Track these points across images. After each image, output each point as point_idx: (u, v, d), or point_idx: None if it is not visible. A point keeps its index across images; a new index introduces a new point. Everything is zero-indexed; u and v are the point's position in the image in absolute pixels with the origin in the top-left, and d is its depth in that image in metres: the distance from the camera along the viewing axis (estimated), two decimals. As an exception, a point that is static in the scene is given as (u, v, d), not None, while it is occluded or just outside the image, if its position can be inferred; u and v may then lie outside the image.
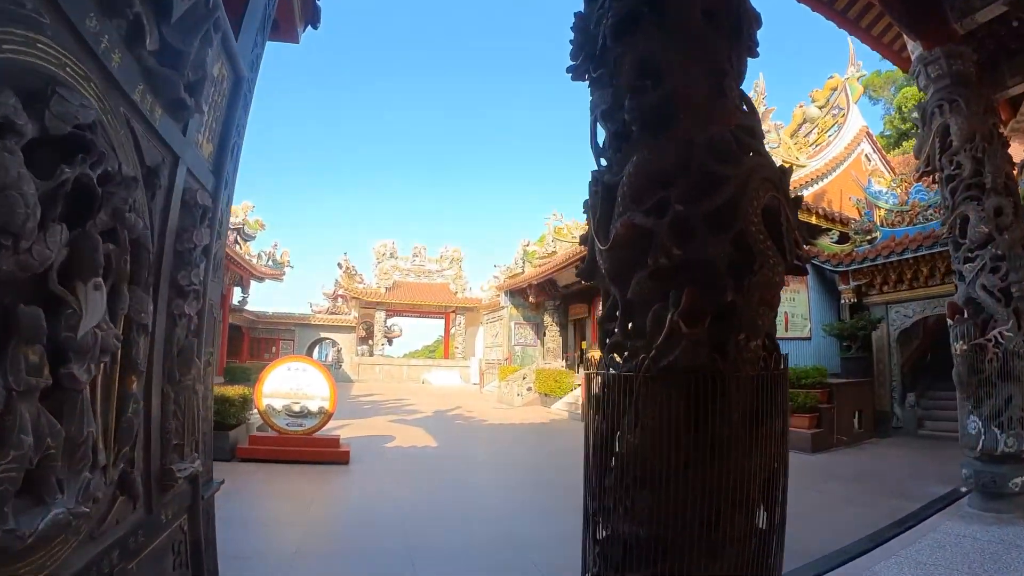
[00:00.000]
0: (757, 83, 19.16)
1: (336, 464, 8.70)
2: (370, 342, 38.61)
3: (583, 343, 28.50)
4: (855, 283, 14.72)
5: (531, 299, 26.54)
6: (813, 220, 15.14)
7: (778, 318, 12.98)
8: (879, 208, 14.67)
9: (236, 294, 34.58)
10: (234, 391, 9.58)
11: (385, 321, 38.51)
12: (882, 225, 14.43)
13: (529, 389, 20.75)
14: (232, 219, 35.46)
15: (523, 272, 28.04)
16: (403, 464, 9.27)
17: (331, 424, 12.18)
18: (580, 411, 16.50)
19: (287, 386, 8.93)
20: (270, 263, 33.42)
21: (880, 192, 14.95)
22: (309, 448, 8.85)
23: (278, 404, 8.91)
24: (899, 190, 14.82)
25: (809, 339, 14.57)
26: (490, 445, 11.89)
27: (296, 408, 8.90)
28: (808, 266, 14.34)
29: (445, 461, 9.58)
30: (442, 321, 42.26)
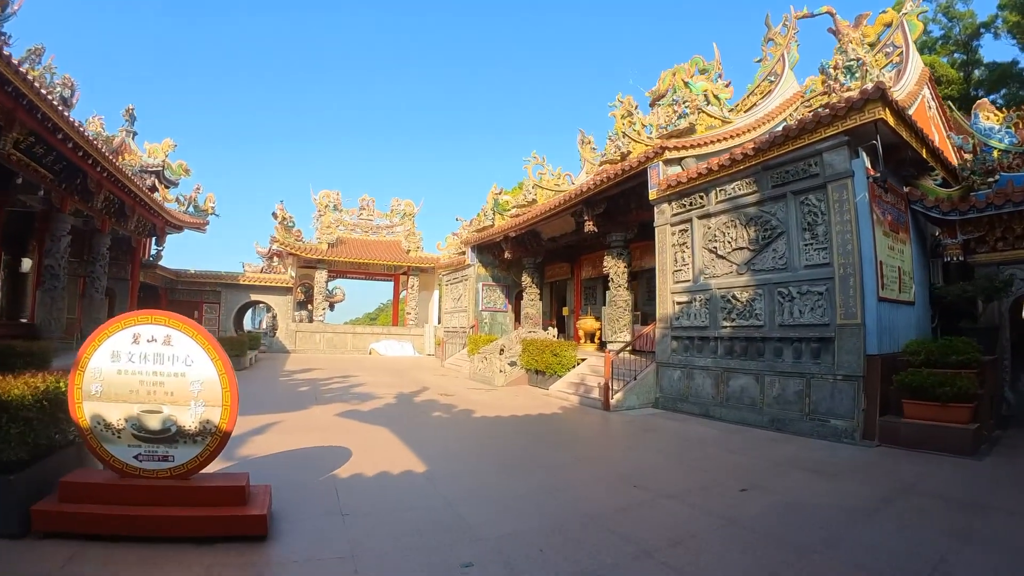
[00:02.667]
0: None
1: (241, 542, 4.12)
2: (309, 307, 33.83)
3: (564, 309, 24.38)
4: (964, 236, 11.37)
5: (507, 255, 22.12)
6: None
7: (893, 273, 9.22)
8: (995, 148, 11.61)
9: (161, 253, 29.88)
10: (23, 384, 4.37)
11: (327, 283, 33.64)
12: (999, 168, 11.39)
13: (513, 364, 16.48)
14: (150, 159, 30.32)
15: (493, 224, 23.63)
16: (383, 539, 4.36)
17: (241, 432, 7.76)
18: (596, 395, 12.43)
19: (134, 377, 4.26)
20: (191, 209, 28.23)
21: (991, 129, 11.69)
22: (182, 509, 4.17)
23: (116, 415, 4.23)
24: (1017, 128, 11.61)
25: (913, 304, 10.93)
26: (516, 465, 6.82)
27: (154, 423, 4.24)
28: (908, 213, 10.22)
29: (466, 522, 4.77)
30: (391, 284, 37.58)
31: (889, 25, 16.59)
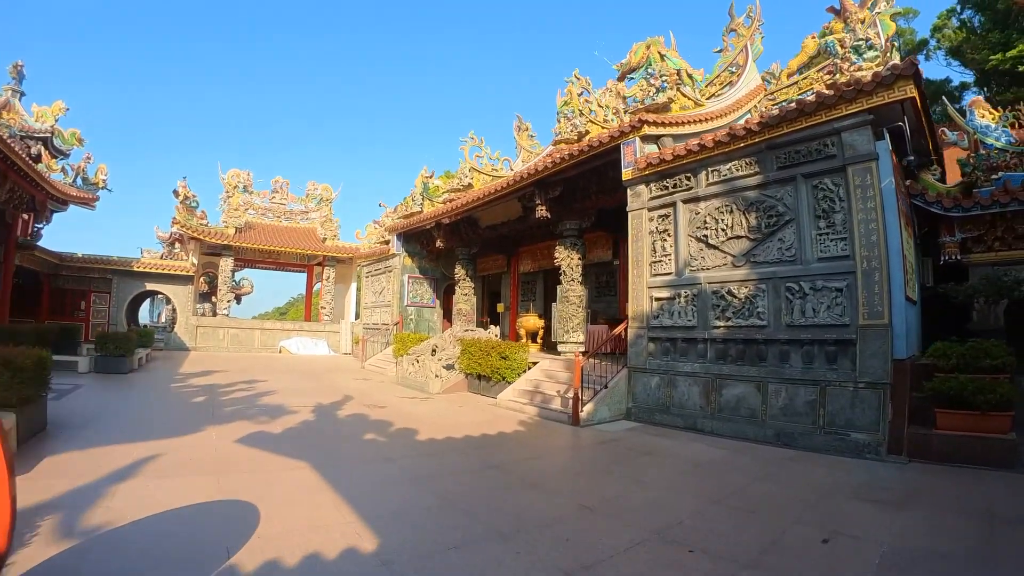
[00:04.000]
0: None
1: None
2: (213, 299, 30.47)
3: (499, 305, 22.66)
4: (962, 235, 10.70)
5: (439, 243, 20.09)
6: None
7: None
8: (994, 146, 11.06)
9: (47, 233, 25.96)
10: None
11: (233, 272, 30.46)
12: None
13: (450, 368, 14.56)
14: (36, 124, 26.46)
15: (422, 211, 21.63)
16: None
17: (96, 478, 5.73)
18: (557, 405, 10.75)
19: None
20: (79, 181, 24.61)
21: (988, 127, 11.16)
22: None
23: None
24: (1014, 128, 11.38)
25: (915, 303, 9.94)
26: (506, 527, 4.70)
27: None
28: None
29: None
30: (304, 275, 34.80)
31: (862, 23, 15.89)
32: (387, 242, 24.80)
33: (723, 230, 9.60)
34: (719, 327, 9.48)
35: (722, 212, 9.66)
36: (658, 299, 10.51)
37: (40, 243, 25.43)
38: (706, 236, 9.84)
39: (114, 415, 9.54)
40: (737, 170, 9.50)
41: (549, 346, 16.56)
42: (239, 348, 28.20)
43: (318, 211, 33.33)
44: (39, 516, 4.47)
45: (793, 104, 8.76)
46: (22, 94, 26.56)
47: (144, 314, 37.87)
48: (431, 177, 23.07)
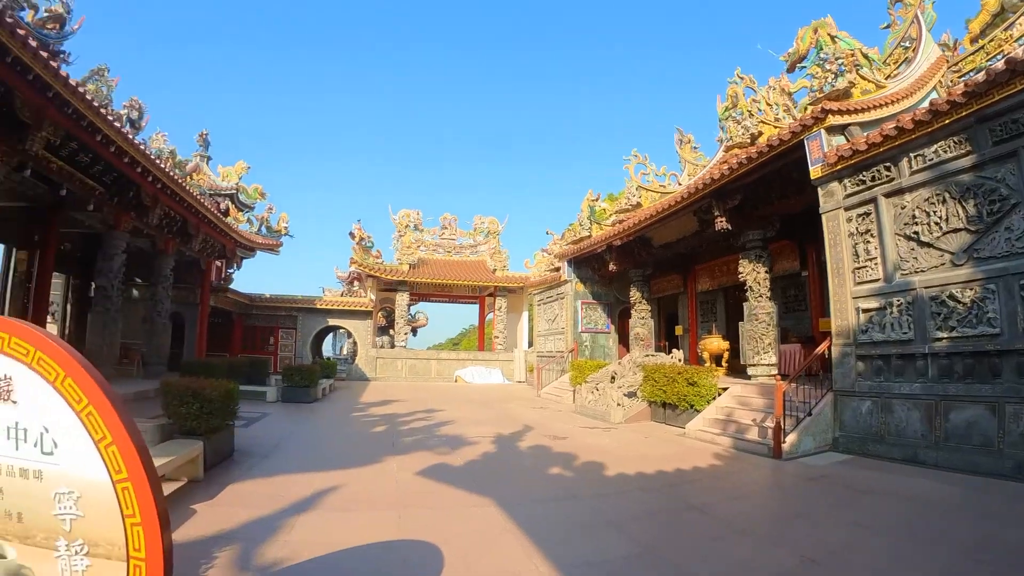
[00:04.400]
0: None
1: None
2: (391, 332, 32.45)
3: (677, 328, 21.81)
4: None
5: (611, 266, 19.83)
6: None
7: None
8: None
9: (232, 276, 29.28)
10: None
11: (409, 306, 32.22)
12: None
13: (631, 395, 14.11)
14: (223, 183, 30.01)
15: (590, 235, 21.44)
16: None
17: (278, 508, 5.93)
18: (754, 436, 9.92)
19: None
20: (263, 230, 27.54)
21: None
22: None
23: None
24: None
25: None
26: None
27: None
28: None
29: None
30: (476, 307, 35.98)
31: None
32: (557, 269, 24.96)
33: (936, 224, 8.45)
34: (941, 339, 8.29)
35: (932, 203, 8.51)
36: (865, 310, 9.43)
37: (232, 286, 28.69)
38: (916, 233, 8.72)
39: (297, 443, 10.21)
40: (944, 152, 8.35)
41: (735, 370, 15.59)
42: (416, 378, 29.68)
43: (486, 243, 34.39)
44: (217, 547, 4.69)
45: (1001, 64, 7.50)
46: (208, 158, 30.60)
47: (328, 347, 41.09)
48: (596, 200, 22.92)
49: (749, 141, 14.01)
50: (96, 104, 12.30)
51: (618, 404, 13.86)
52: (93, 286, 17.66)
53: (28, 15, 12.34)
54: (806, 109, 12.62)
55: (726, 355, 16.21)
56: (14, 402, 2.28)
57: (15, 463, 2.29)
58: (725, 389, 12.48)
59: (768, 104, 14.78)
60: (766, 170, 11.96)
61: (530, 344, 32.49)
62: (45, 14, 12.75)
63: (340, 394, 20.98)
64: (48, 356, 2.21)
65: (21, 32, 9.73)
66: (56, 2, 12.93)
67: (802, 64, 13.50)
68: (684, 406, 12.30)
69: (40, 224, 17.27)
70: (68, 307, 23.59)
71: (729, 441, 10.21)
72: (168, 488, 6.43)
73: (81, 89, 11.59)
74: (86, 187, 15.01)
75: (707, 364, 15.89)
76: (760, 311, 13.23)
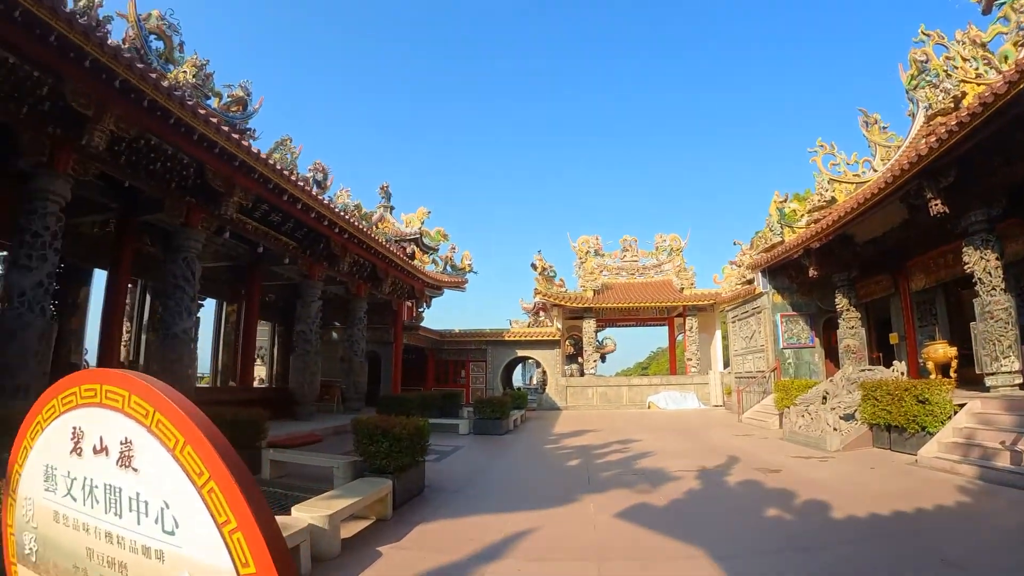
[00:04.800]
0: None
1: None
2: (580, 359, 32.23)
3: (892, 336, 19.27)
4: None
5: (811, 271, 17.91)
6: None
7: None
8: None
9: (422, 314, 30.73)
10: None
11: (596, 333, 31.74)
12: None
13: (849, 418, 12.37)
14: (407, 229, 31.76)
15: (783, 240, 19.64)
16: None
17: (458, 558, 5.45)
18: (1005, 463, 8.12)
19: (80, 536, 2.02)
20: (448, 269, 28.80)
21: None
22: None
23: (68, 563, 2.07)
24: None
25: None
26: None
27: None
28: None
29: None
30: (664, 328, 34.71)
31: None
32: (749, 282, 23.30)
33: None
34: None
35: None
36: None
37: (423, 324, 30.20)
38: None
39: (488, 479, 9.83)
40: None
41: (967, 380, 13.24)
42: (607, 405, 28.95)
43: (670, 262, 33.19)
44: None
45: None
46: (391, 208, 32.92)
47: (517, 377, 41.56)
48: (784, 202, 21.07)
49: (952, 106, 11.97)
50: (281, 169, 13.52)
51: (834, 429, 12.17)
52: (295, 331, 18.98)
53: (214, 102, 13.91)
54: (1006, 59, 10.66)
55: (954, 363, 13.86)
56: (135, 469, 1.98)
57: (138, 539, 1.98)
58: (961, 405, 10.49)
59: (963, 60, 12.72)
60: (982, 135, 10.00)
61: (725, 365, 30.50)
62: (228, 99, 14.41)
63: (531, 425, 20.76)
64: (167, 419, 1.90)
65: (202, 111, 10.89)
66: (236, 88, 14.63)
67: (1000, 1, 11.48)
68: (914, 428, 10.45)
69: (244, 280, 19.67)
70: (275, 351, 26.10)
71: (973, 470, 8.41)
72: (355, 527, 6.40)
73: (266, 158, 12.99)
74: (280, 243, 16.62)
75: (932, 376, 13.66)
76: (995, 307, 11.10)
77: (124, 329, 20.66)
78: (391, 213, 32.98)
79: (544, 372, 31.86)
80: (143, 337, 18.21)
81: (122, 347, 20.19)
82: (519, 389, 34.77)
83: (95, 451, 2.06)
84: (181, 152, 11.45)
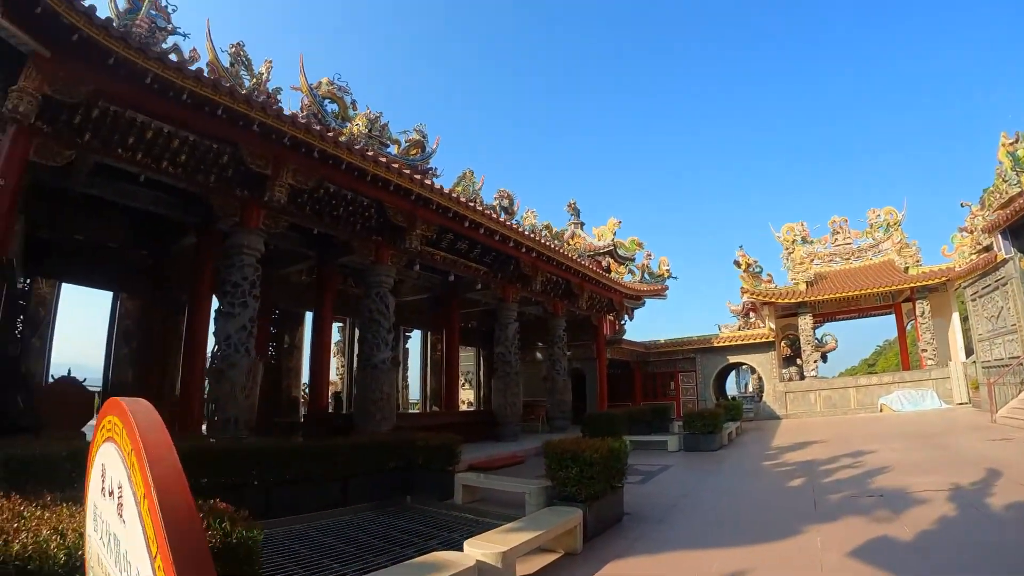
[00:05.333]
0: None
1: None
2: (798, 361, 29.63)
3: None
4: None
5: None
6: None
7: None
8: None
9: (624, 327, 30.32)
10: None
11: (814, 329, 29.03)
12: None
13: None
14: (599, 242, 31.70)
15: (1022, 191, 16.67)
16: None
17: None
18: None
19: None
20: (646, 277, 28.11)
21: None
22: None
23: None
24: None
25: None
26: None
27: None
28: None
29: None
30: (889, 318, 31.04)
31: None
32: (987, 248, 20.14)
33: None
34: None
35: None
36: None
37: (625, 336, 29.55)
38: None
39: (695, 504, 8.93)
40: None
41: None
42: (832, 411, 26.29)
43: (888, 239, 29.67)
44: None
45: None
46: (582, 224, 32.99)
47: (731, 385, 39.50)
48: (1016, 143, 17.95)
49: None
50: (457, 196, 14.16)
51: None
52: (494, 353, 19.45)
53: (394, 149, 15.34)
54: None
55: None
56: (124, 521, 1.70)
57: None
58: None
59: None
60: None
61: (968, 353, 26.47)
62: (406, 144, 15.80)
63: (747, 438, 19.35)
64: (138, 461, 1.58)
65: (378, 156, 11.94)
66: (411, 132, 16.04)
67: None
68: None
69: (442, 309, 20.79)
70: (480, 375, 27.17)
71: None
72: (539, 561, 6.04)
73: (442, 189, 13.66)
74: (470, 269, 17.36)
75: None
76: None
77: (338, 363, 22.58)
78: (581, 229, 33.23)
79: (759, 378, 29.84)
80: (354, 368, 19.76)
81: (338, 379, 22.06)
82: (733, 399, 32.95)
83: (108, 493, 1.85)
84: (359, 194, 12.41)
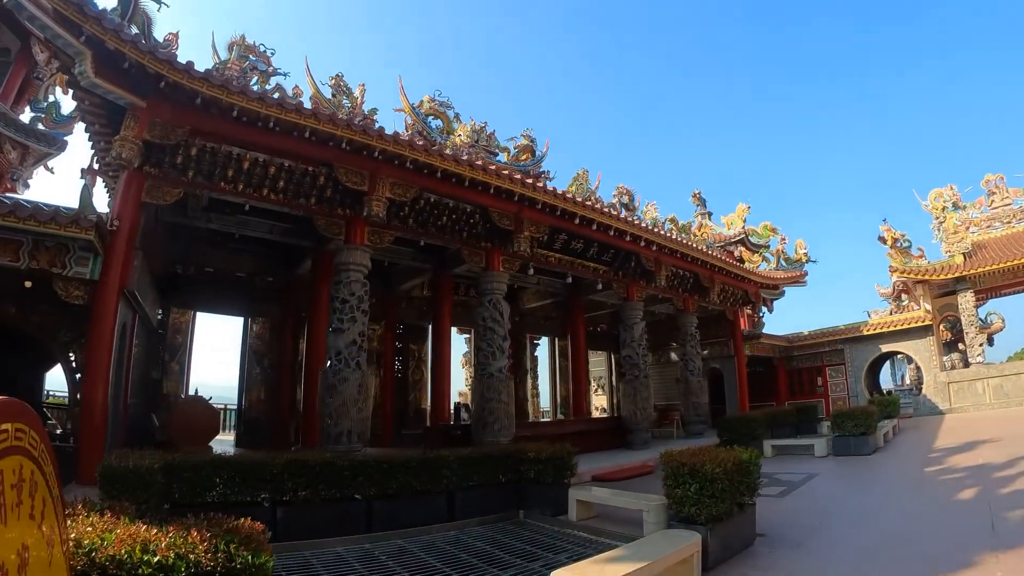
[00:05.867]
0: None
1: None
2: (960, 346, 26.22)
3: None
4: None
5: None
6: None
7: None
8: None
9: (762, 320, 28.72)
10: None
11: (976, 309, 25.64)
12: None
13: None
14: (727, 231, 30.39)
15: None
16: None
17: None
18: None
19: None
20: (781, 264, 26.19)
21: None
22: None
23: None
24: None
25: None
26: None
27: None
28: None
29: None
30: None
31: None
32: None
33: None
34: None
35: None
36: None
37: (765, 330, 27.67)
38: None
39: (843, 523, 7.82)
40: None
41: None
42: (1005, 402, 23.04)
43: (1053, 198, 25.99)
44: None
45: None
46: (709, 214, 31.79)
47: (885, 377, 36.02)
48: None
49: None
50: (563, 194, 13.92)
51: None
52: (621, 356, 18.91)
53: (503, 157, 15.67)
54: None
55: None
56: None
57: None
58: None
59: None
60: None
61: None
62: (515, 150, 16.10)
63: (905, 437, 17.40)
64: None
65: (464, 158, 11.79)
66: (519, 138, 16.39)
67: None
68: None
69: (566, 313, 20.62)
70: (612, 380, 26.42)
71: None
72: None
73: (547, 187, 13.72)
74: (587, 270, 16.95)
75: None
76: None
77: (467, 374, 22.90)
78: (708, 219, 32.01)
79: (917, 368, 26.95)
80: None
81: (467, 390, 22.47)
82: (888, 392, 29.91)
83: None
84: (460, 201, 12.44)
